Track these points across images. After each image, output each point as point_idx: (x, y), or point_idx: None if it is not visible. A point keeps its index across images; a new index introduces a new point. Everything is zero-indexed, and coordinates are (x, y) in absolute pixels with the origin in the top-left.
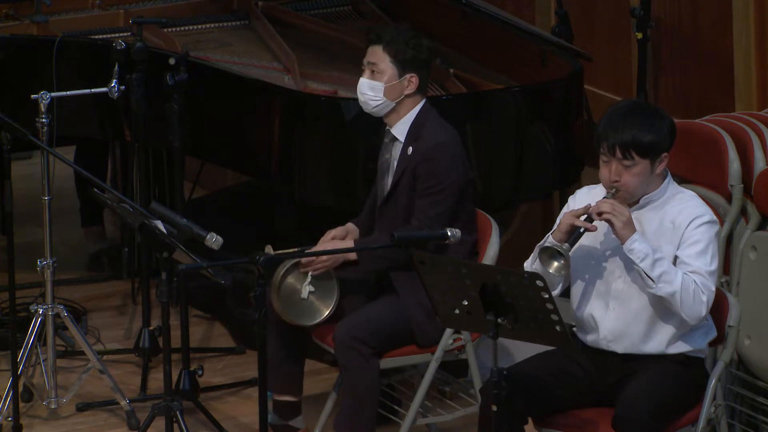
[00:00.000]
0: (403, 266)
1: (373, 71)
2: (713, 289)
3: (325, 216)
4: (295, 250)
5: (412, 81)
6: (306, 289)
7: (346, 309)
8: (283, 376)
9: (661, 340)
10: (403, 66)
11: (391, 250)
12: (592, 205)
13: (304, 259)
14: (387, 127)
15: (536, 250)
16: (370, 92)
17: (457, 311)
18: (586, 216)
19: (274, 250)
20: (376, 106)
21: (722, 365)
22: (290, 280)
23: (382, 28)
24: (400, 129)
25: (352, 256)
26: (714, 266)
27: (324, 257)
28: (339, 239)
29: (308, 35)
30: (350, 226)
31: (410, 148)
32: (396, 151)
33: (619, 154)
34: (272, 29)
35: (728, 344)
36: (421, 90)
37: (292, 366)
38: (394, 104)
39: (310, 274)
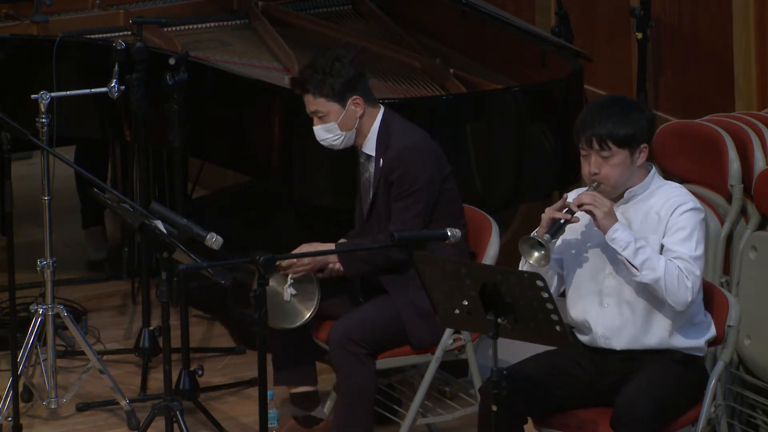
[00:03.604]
0: (389, 271)
1: (319, 117)
2: (698, 273)
3: (324, 216)
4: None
5: (357, 103)
6: (287, 291)
7: (340, 310)
8: (296, 368)
9: (659, 332)
10: (340, 96)
11: (377, 256)
12: (571, 198)
13: (284, 262)
14: (359, 149)
15: None
16: (329, 135)
17: (457, 311)
18: (567, 209)
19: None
20: (341, 143)
21: (722, 365)
22: (271, 283)
23: (301, 75)
24: (369, 146)
25: (337, 264)
26: (699, 251)
27: (305, 260)
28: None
29: (308, 35)
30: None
31: (381, 160)
32: (372, 166)
33: (596, 145)
34: (272, 29)
35: (728, 344)
36: (370, 102)
37: (303, 356)
38: (355, 131)
39: (290, 276)
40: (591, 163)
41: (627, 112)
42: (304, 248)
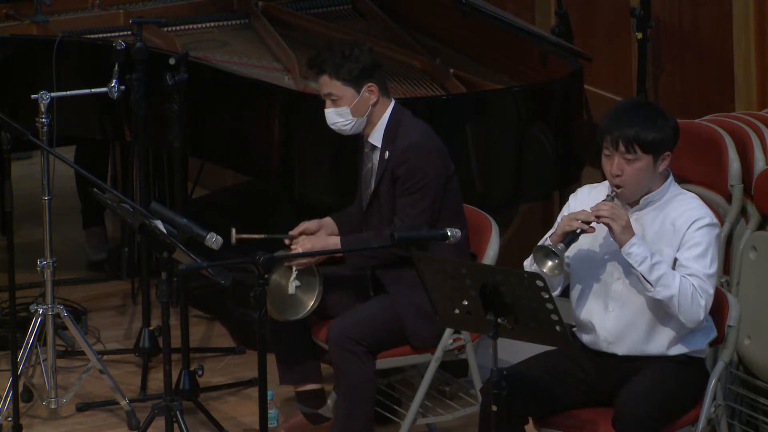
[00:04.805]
0: (390, 264)
1: (333, 100)
2: (711, 292)
3: (324, 215)
4: (263, 236)
5: (371, 90)
6: (293, 284)
7: (339, 309)
8: (300, 366)
9: (661, 341)
10: (356, 82)
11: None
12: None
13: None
14: (365, 138)
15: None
16: (340, 119)
17: (457, 311)
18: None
19: (238, 233)
20: (351, 128)
21: (722, 365)
22: (275, 276)
23: (319, 56)
24: (376, 136)
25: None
26: (713, 269)
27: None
28: (310, 232)
29: (308, 35)
30: (326, 220)
31: (387, 152)
32: (376, 157)
33: (622, 147)
34: (272, 29)
35: (728, 344)
36: (383, 92)
37: (307, 354)
38: (366, 118)
39: (295, 269)
40: (614, 165)
41: (655, 117)
42: (310, 239)
